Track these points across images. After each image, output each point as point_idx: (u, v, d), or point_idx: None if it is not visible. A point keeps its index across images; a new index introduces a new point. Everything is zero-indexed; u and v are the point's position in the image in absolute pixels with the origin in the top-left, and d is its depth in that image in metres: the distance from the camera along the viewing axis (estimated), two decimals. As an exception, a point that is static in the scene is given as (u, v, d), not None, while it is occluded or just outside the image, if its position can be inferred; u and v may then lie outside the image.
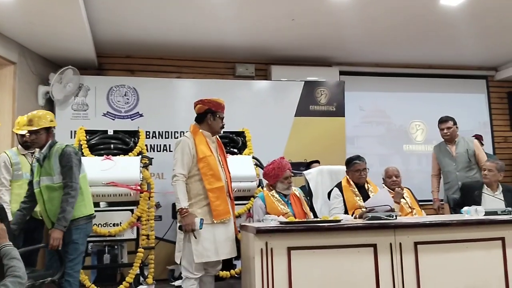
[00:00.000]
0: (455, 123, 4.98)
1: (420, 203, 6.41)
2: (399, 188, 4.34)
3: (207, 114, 3.47)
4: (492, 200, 4.18)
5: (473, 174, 4.81)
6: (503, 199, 4.25)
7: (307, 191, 4.31)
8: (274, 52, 6.25)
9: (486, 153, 6.42)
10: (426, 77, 7.21)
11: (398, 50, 6.50)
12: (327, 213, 4.08)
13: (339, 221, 3.09)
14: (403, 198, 4.36)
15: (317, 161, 5.38)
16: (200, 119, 3.50)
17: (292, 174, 3.98)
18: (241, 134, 5.12)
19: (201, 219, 3.24)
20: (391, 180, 4.40)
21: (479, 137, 6.55)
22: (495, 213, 3.38)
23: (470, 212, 3.44)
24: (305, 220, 3.33)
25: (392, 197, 4.32)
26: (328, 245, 2.95)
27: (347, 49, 6.30)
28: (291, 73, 6.27)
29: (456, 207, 4.58)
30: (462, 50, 6.61)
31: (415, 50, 6.50)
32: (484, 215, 3.37)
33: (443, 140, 5.08)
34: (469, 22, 5.48)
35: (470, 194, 4.34)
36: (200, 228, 3.22)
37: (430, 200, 6.58)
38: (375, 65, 6.97)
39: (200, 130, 3.46)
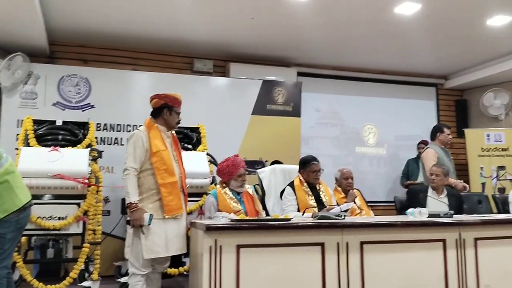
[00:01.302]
0: None
1: (370, 203, 6.62)
2: (352, 190, 4.45)
3: (164, 109, 3.41)
4: (437, 203, 4.34)
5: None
6: (447, 202, 4.43)
7: (260, 190, 4.32)
8: (233, 50, 6.24)
9: (433, 158, 6.68)
10: (380, 82, 7.42)
11: (354, 55, 6.65)
12: (279, 211, 4.12)
13: (289, 219, 3.12)
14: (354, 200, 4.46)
15: (279, 162, 5.39)
16: (156, 113, 3.44)
17: (247, 172, 3.98)
18: (196, 130, 5.08)
19: (150, 214, 3.18)
20: (347, 182, 4.50)
21: (425, 143, 6.81)
22: (437, 215, 3.51)
23: (414, 214, 3.56)
24: (255, 218, 3.33)
25: (344, 198, 4.44)
26: (277, 243, 2.96)
27: (305, 50, 6.37)
28: (249, 71, 6.29)
29: (402, 209, 4.72)
30: (414, 58, 6.84)
31: (370, 55, 6.67)
32: (428, 217, 3.48)
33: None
34: (422, 32, 5.68)
35: (415, 197, 4.50)
36: (149, 224, 3.16)
37: (380, 201, 6.83)
38: (332, 68, 7.09)
39: (155, 125, 3.41)
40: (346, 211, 3.94)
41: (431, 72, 7.63)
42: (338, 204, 4.26)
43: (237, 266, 2.88)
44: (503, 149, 6.97)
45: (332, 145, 7.06)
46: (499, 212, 4.91)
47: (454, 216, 3.66)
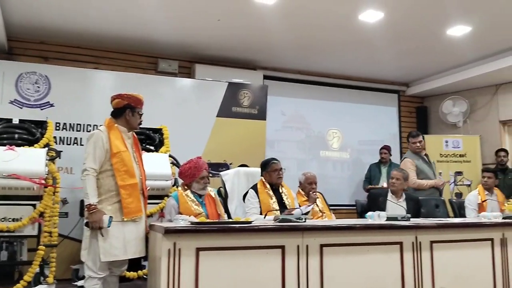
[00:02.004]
0: (423, 138, 5.63)
1: (334, 207, 6.70)
2: (314, 193, 4.48)
3: (126, 109, 3.34)
4: (396, 207, 4.44)
5: None
6: (405, 206, 4.54)
7: (223, 192, 4.31)
8: (199, 51, 6.21)
9: (394, 163, 6.87)
10: (345, 87, 7.55)
11: (320, 60, 6.73)
12: (242, 214, 4.11)
13: (249, 222, 3.11)
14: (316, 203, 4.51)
15: (246, 166, 5.38)
16: (118, 114, 3.37)
17: (210, 175, 3.96)
18: (158, 131, 5.01)
19: (110, 217, 3.11)
20: (311, 187, 4.53)
21: (387, 148, 6.97)
22: (395, 219, 3.58)
23: (373, 217, 3.62)
24: (215, 221, 3.31)
25: (307, 201, 4.47)
26: (237, 246, 2.94)
27: (272, 54, 6.41)
28: (215, 73, 6.26)
29: (362, 213, 4.80)
30: (378, 65, 6.99)
31: (336, 61, 6.77)
32: (386, 220, 3.55)
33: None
34: (384, 39, 5.82)
35: (375, 201, 4.58)
36: (108, 226, 3.08)
37: (343, 205, 6.92)
38: (298, 72, 7.16)
39: (116, 125, 3.33)
40: (307, 213, 3.99)
41: (394, 79, 7.82)
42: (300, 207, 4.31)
43: (196, 270, 2.84)
44: (460, 155, 7.21)
45: (297, 148, 7.13)
46: (455, 216, 5.08)
47: (412, 219, 3.74)
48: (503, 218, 4.00)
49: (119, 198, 3.19)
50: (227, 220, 3.40)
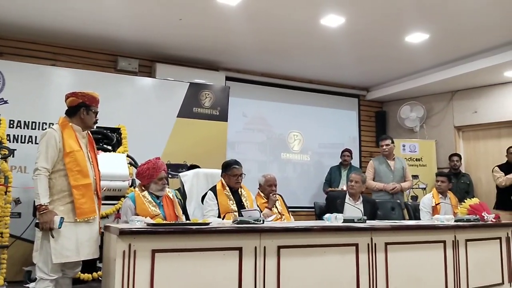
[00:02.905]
0: (392, 142, 5.82)
1: (294, 209, 6.76)
2: (274, 195, 4.50)
3: (80, 108, 3.27)
4: (353, 209, 4.51)
5: None
6: (362, 208, 4.62)
7: (182, 193, 4.25)
8: (160, 50, 6.12)
9: (353, 166, 7.00)
10: (306, 90, 7.63)
11: (282, 62, 6.78)
12: (201, 216, 4.07)
13: (207, 224, 3.08)
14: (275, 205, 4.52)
15: (197, 166, 5.35)
16: (72, 112, 3.29)
17: (169, 176, 3.90)
18: (116, 130, 4.91)
19: (61, 217, 3.02)
20: (271, 189, 4.54)
21: (349, 151, 7.09)
22: (352, 220, 3.64)
23: (330, 219, 3.66)
24: (171, 222, 3.26)
25: (266, 203, 4.48)
26: (194, 248, 2.91)
27: (234, 55, 6.40)
28: (176, 73, 6.20)
29: (321, 215, 4.86)
30: (339, 69, 7.11)
31: (298, 64, 6.83)
32: (342, 222, 3.60)
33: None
34: (345, 44, 5.92)
35: (333, 203, 4.65)
36: (59, 227, 3.00)
37: (303, 206, 6.97)
38: (260, 74, 7.18)
39: (70, 124, 3.25)
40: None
41: (354, 83, 7.97)
42: (260, 210, 4.31)
43: (151, 272, 2.79)
44: (417, 159, 7.41)
45: (258, 150, 7.14)
46: (410, 219, 5.20)
47: (368, 221, 3.82)
48: (455, 221, 4.15)
49: (72, 198, 3.11)
50: (184, 222, 3.36)
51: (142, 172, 3.76)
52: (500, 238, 4.22)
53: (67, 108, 3.31)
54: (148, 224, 3.00)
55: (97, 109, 3.35)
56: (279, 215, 4.49)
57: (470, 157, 7.41)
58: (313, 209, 5.45)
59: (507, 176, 5.90)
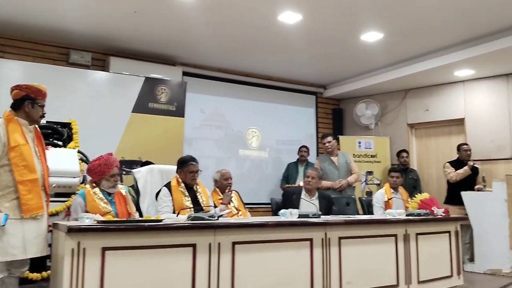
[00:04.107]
0: (334, 138, 5.89)
1: (252, 205, 6.76)
2: (229, 192, 4.48)
3: (25, 101, 3.13)
4: (309, 205, 4.54)
5: None
6: (318, 204, 4.67)
7: (135, 190, 4.15)
8: (114, 43, 5.96)
9: (310, 162, 7.07)
10: (265, 87, 7.64)
11: (241, 58, 6.75)
12: (155, 213, 3.99)
13: (159, 220, 3.02)
14: (231, 200, 4.51)
15: (151, 163, 5.24)
16: (17, 105, 3.15)
17: (124, 172, 3.80)
18: (67, 125, 4.73)
19: (5, 215, 2.88)
20: (227, 183, 4.53)
21: (305, 148, 7.16)
22: (306, 216, 3.66)
23: (285, 215, 3.67)
24: (122, 219, 3.18)
25: (221, 199, 4.45)
26: (146, 245, 2.85)
27: (192, 50, 6.31)
28: (131, 67, 6.04)
29: (277, 211, 4.88)
30: (297, 66, 7.16)
31: (256, 60, 6.82)
32: (298, 217, 3.62)
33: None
34: (303, 42, 5.96)
35: (290, 199, 4.67)
36: (3, 225, 2.86)
37: (261, 203, 6.98)
38: (218, 70, 7.12)
39: (16, 118, 3.10)
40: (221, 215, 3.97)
41: (312, 81, 8.05)
42: (215, 206, 4.28)
43: (102, 270, 2.71)
44: (372, 156, 7.58)
45: (216, 147, 7.09)
46: (364, 214, 5.32)
47: (322, 216, 3.86)
48: (407, 215, 4.26)
49: (18, 194, 2.98)
50: (136, 219, 3.28)
51: (93, 169, 3.64)
52: (449, 232, 4.37)
53: (12, 101, 3.17)
54: (98, 221, 2.91)
55: (43, 102, 3.21)
56: (236, 211, 4.48)
57: (422, 153, 7.65)
58: (271, 205, 5.49)
59: (458, 171, 6.11)
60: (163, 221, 3.07)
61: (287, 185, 6.74)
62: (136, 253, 2.82)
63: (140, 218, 3.36)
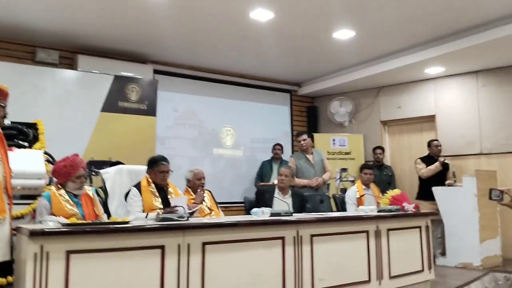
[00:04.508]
0: (309, 136, 5.94)
1: (226, 204, 6.72)
2: (201, 191, 4.42)
3: None
4: (282, 203, 4.52)
5: None
6: (291, 202, 4.65)
7: (103, 191, 4.06)
8: (83, 41, 5.81)
9: (284, 160, 7.06)
10: (239, 85, 7.58)
11: (213, 56, 6.68)
12: (124, 214, 3.91)
13: (126, 222, 2.95)
14: (204, 200, 4.45)
15: (121, 163, 5.13)
16: None
17: (93, 173, 3.70)
18: (33, 126, 4.58)
19: (-40, 219, 2.77)
20: (200, 182, 4.47)
21: (279, 146, 7.15)
22: (278, 214, 3.64)
23: (257, 213, 3.65)
24: (88, 221, 3.09)
25: (193, 199, 4.39)
26: (113, 248, 2.77)
27: (163, 48, 6.21)
28: (101, 65, 5.90)
29: (251, 209, 4.85)
30: (270, 64, 7.13)
31: (229, 58, 6.76)
32: (270, 216, 3.59)
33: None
34: (276, 40, 5.93)
35: (263, 197, 4.65)
36: (-41, 230, 2.74)
37: (235, 202, 6.94)
38: (190, 68, 7.03)
39: (-24, 118, 2.98)
40: (193, 212, 3.91)
41: (286, 79, 8.03)
42: (188, 206, 4.22)
43: (66, 274, 2.62)
44: (346, 153, 7.62)
45: (189, 146, 7.00)
46: (338, 211, 5.33)
47: (295, 214, 3.85)
48: (378, 211, 4.28)
49: (-22, 198, 2.86)
50: (101, 221, 3.19)
51: (58, 170, 3.54)
52: (420, 227, 4.41)
53: (-28, 101, 3.04)
54: (63, 224, 2.82)
55: (4, 102, 3.09)
56: (208, 211, 4.43)
57: (395, 150, 7.73)
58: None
59: (429, 167, 6.19)
60: (130, 222, 2.99)
61: (261, 183, 6.72)
62: (102, 256, 2.74)
63: (106, 220, 3.27)
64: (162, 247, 2.91)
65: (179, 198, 3.91)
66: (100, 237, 2.76)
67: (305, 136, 5.91)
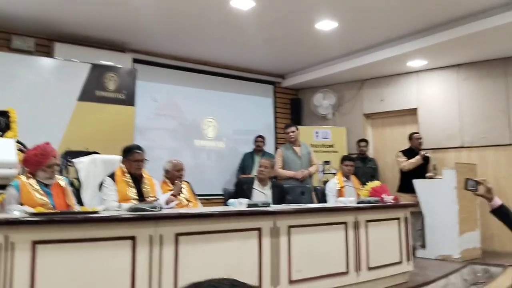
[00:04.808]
0: (297, 128, 5.92)
1: (207, 197, 6.64)
2: (179, 182, 4.35)
3: None
4: (261, 194, 4.47)
5: None
6: (270, 194, 4.60)
7: (77, 181, 3.95)
8: (60, 28, 5.65)
9: (267, 152, 7.01)
10: (222, 76, 7.47)
11: (195, 46, 6.56)
12: (98, 205, 3.81)
13: (95, 212, 2.86)
14: (182, 191, 4.38)
15: (97, 153, 5.02)
16: None
17: (58, 162, 3.59)
18: (4, 114, 4.44)
19: None
20: (179, 174, 4.40)
21: (261, 137, 7.08)
22: (256, 205, 3.58)
23: (234, 204, 3.58)
24: (54, 211, 2.99)
25: (171, 190, 4.31)
26: (82, 238, 2.68)
27: (142, 36, 6.07)
28: (78, 53, 5.74)
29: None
30: (253, 55, 7.03)
31: (211, 48, 6.65)
32: (247, 207, 3.53)
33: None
34: (258, 30, 5.82)
35: (242, 189, 4.58)
36: None
37: (217, 194, 6.85)
38: (172, 57, 6.90)
39: None
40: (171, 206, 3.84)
41: (270, 70, 7.95)
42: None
43: (32, 265, 2.53)
44: (329, 146, 7.59)
45: (170, 137, 6.89)
46: (319, 202, 5.29)
47: (273, 206, 3.79)
48: (358, 202, 4.25)
49: None
50: (70, 211, 3.10)
51: (29, 159, 3.43)
52: (399, 219, 4.39)
53: None
54: (29, 213, 2.72)
55: None
56: (186, 202, 4.36)
57: (378, 143, 7.72)
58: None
59: (410, 160, 6.19)
60: (100, 212, 2.91)
61: (242, 176, 6.65)
62: (70, 247, 2.65)
63: (74, 210, 3.18)
64: (133, 238, 2.83)
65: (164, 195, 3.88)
66: (68, 227, 2.67)
67: (293, 128, 5.93)
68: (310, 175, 5.72)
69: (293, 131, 5.88)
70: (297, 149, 5.88)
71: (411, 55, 6.34)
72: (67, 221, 2.68)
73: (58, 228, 2.64)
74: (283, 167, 5.73)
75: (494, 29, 5.22)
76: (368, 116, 7.79)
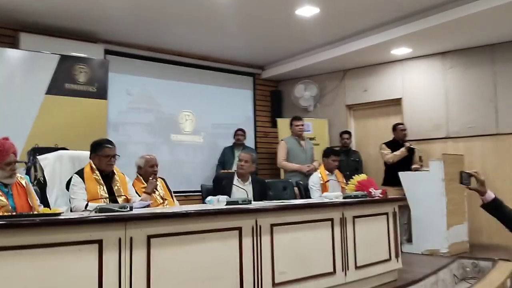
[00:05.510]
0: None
1: (185, 193, 6.37)
2: (153, 179, 4.09)
3: None
4: (241, 191, 4.22)
5: None
6: (251, 190, 4.36)
7: (41, 180, 3.65)
8: (25, 17, 5.28)
9: (247, 146, 6.77)
10: (199, 68, 7.19)
11: (171, 36, 6.28)
12: (66, 205, 3.53)
13: (57, 214, 2.57)
14: (156, 189, 4.12)
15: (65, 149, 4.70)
16: None
17: (34, 161, 3.29)
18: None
19: None
20: (153, 170, 4.15)
21: (241, 131, 6.83)
22: (236, 203, 3.34)
23: (212, 202, 3.33)
24: (11, 214, 2.70)
25: (144, 188, 4.06)
26: (40, 243, 2.39)
27: (115, 26, 5.75)
28: (46, 44, 5.38)
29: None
30: (232, 45, 6.77)
31: (187, 38, 6.36)
32: (226, 204, 3.28)
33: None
34: (236, 17, 5.57)
35: (220, 185, 4.33)
36: None
37: (195, 190, 6.58)
38: (146, 48, 6.58)
39: None
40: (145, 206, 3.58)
41: (249, 61, 7.69)
42: (139, 195, 3.89)
43: (-18, 275, 2.25)
44: (311, 138, 7.36)
45: (145, 132, 6.57)
46: (301, 198, 5.07)
47: (256, 203, 3.55)
48: (344, 197, 4.04)
49: None
50: (27, 213, 2.80)
51: (-16, 156, 3.10)
52: (387, 214, 4.20)
53: None
54: (-20, 218, 2.42)
55: None
56: (161, 200, 4.09)
57: (361, 134, 7.53)
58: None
59: (394, 153, 6.01)
60: (62, 214, 2.62)
61: (222, 171, 6.39)
62: (29, 252, 2.35)
63: (35, 213, 2.88)
64: (99, 242, 2.55)
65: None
66: (26, 232, 2.37)
67: (302, 122, 6.03)
68: (316, 170, 5.49)
69: (302, 124, 6.00)
70: (302, 142, 5.98)
71: (395, 43, 6.15)
72: (23, 225, 2.38)
73: (14, 233, 2.34)
74: (287, 160, 5.83)
75: (480, 14, 5.04)
76: (350, 107, 7.60)
